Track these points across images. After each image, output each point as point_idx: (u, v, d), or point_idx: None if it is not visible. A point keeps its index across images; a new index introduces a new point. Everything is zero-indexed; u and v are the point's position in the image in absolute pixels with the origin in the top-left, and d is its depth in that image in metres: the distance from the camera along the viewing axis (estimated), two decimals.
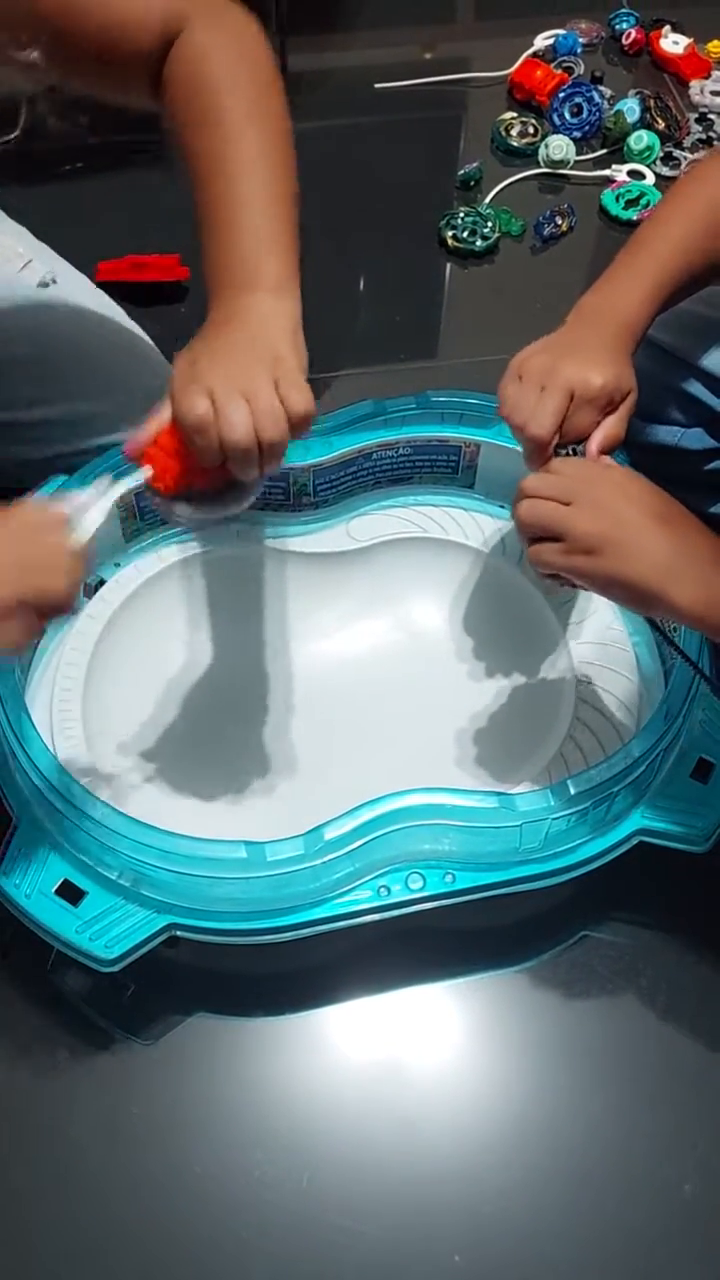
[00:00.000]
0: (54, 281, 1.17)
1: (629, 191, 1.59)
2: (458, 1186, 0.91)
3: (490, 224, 1.54)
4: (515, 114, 1.69)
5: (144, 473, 0.80)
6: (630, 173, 1.63)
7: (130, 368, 1.15)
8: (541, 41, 1.78)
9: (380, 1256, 0.88)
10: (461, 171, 1.60)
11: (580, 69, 1.75)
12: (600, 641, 1.07)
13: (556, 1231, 0.89)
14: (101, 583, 1.08)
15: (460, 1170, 0.92)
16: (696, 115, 1.69)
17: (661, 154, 1.65)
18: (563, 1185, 0.91)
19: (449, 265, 1.54)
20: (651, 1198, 0.91)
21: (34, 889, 0.89)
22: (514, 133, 1.66)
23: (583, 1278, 0.88)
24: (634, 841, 0.93)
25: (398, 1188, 0.91)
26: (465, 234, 1.53)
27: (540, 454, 0.87)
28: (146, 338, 1.20)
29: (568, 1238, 0.89)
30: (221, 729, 1.07)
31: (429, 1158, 0.92)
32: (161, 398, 0.83)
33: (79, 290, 1.19)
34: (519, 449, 1.09)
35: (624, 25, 1.82)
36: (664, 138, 1.66)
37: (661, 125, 1.68)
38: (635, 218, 1.57)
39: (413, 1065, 0.96)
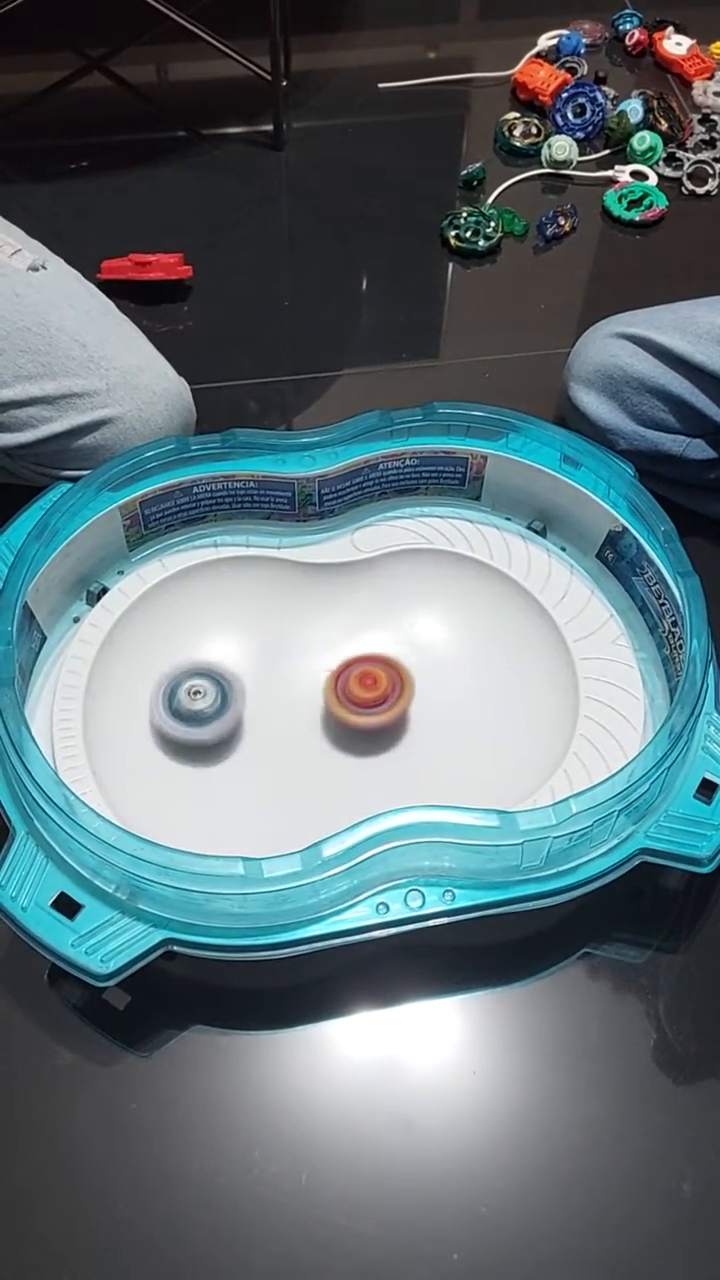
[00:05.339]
0: (44, 267, 1.17)
1: (632, 192, 1.58)
2: (457, 1185, 0.91)
3: (493, 224, 1.53)
4: (518, 114, 1.68)
5: None
6: (633, 173, 1.62)
7: (118, 345, 1.14)
8: (545, 42, 1.77)
9: (379, 1255, 0.88)
10: (464, 171, 1.59)
11: (583, 69, 1.74)
12: (606, 657, 1.06)
13: (556, 1230, 0.89)
14: (104, 590, 1.08)
15: (460, 1169, 0.91)
16: (699, 116, 1.68)
17: (664, 155, 1.64)
18: (562, 1185, 0.91)
19: (451, 265, 1.53)
20: (650, 1197, 0.90)
21: (30, 901, 0.88)
22: (517, 133, 1.65)
23: (582, 1276, 0.88)
24: (636, 861, 0.92)
25: (397, 1186, 0.90)
26: (468, 234, 1.52)
27: None
28: (130, 322, 1.20)
29: (567, 1237, 0.89)
30: (223, 742, 1.06)
31: (428, 1157, 0.92)
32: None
33: (69, 277, 1.19)
34: (526, 462, 1.10)
35: (627, 26, 1.81)
36: (667, 139, 1.65)
37: (664, 126, 1.67)
38: (638, 219, 1.56)
39: (412, 1068, 0.95)
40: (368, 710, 1.05)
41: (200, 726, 1.05)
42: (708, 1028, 0.97)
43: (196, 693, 1.06)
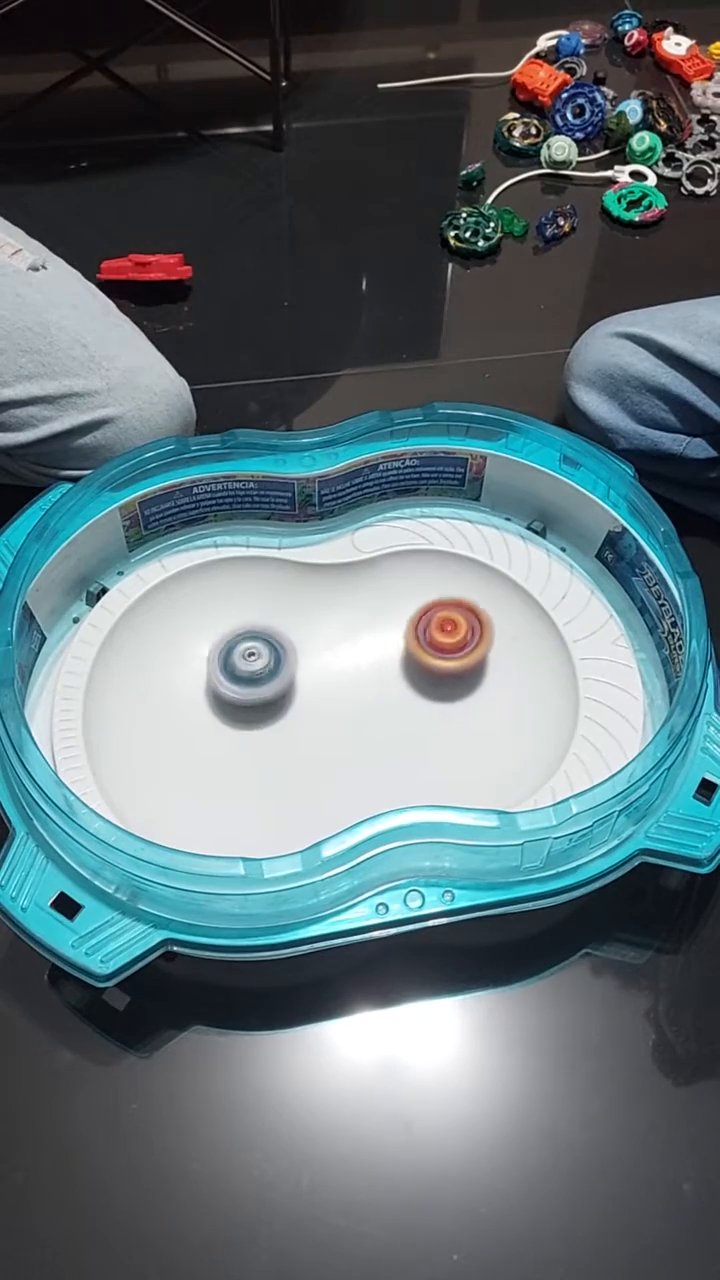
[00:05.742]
0: (44, 267, 1.17)
1: (631, 193, 1.58)
2: (457, 1186, 0.91)
3: (492, 224, 1.53)
4: (518, 115, 1.68)
5: None
6: (632, 174, 1.62)
7: (118, 345, 1.14)
8: (544, 42, 1.77)
9: (379, 1254, 0.88)
10: (464, 172, 1.59)
11: (583, 70, 1.74)
12: (606, 658, 1.06)
13: (556, 1231, 0.89)
14: (104, 591, 1.08)
15: (459, 1170, 0.91)
16: (699, 117, 1.68)
17: (663, 155, 1.64)
18: (562, 1185, 0.91)
19: (451, 265, 1.53)
20: (650, 1196, 0.90)
21: (30, 901, 0.88)
22: (516, 133, 1.65)
23: (582, 1276, 0.88)
24: (637, 861, 0.92)
25: (396, 1187, 0.90)
26: (467, 234, 1.52)
27: None
28: (130, 322, 1.20)
29: (567, 1237, 0.89)
30: (222, 742, 1.06)
31: (428, 1158, 0.92)
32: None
33: (69, 277, 1.20)
34: (526, 462, 1.10)
35: (626, 27, 1.80)
36: (666, 139, 1.65)
37: (664, 126, 1.67)
38: (637, 219, 1.56)
39: (412, 1069, 0.96)
40: (449, 655, 1.07)
41: (255, 687, 1.06)
42: (708, 1028, 0.97)
43: (251, 654, 1.07)
